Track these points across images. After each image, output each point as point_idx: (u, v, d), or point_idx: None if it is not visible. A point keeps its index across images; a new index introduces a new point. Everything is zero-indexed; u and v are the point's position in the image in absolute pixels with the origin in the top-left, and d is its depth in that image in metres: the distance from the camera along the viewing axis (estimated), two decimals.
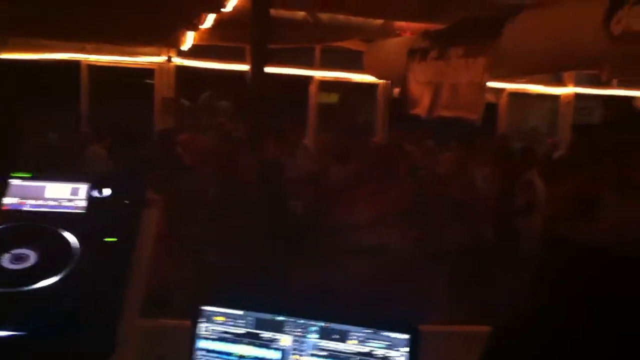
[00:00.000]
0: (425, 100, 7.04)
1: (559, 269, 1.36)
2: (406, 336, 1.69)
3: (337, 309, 1.81)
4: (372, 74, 9.21)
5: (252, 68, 5.76)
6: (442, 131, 9.89)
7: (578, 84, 11.85)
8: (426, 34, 7.52)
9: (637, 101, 11.63)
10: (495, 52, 6.06)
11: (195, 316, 1.85)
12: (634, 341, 1.15)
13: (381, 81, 10.33)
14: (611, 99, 12.87)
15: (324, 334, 1.75)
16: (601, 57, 4.94)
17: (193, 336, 1.85)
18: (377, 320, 1.73)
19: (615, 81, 12.09)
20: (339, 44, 9.52)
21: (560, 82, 11.86)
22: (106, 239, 1.88)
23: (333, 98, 12.05)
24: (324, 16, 7.78)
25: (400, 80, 7.76)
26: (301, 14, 7.82)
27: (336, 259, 2.88)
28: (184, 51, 9.24)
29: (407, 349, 1.68)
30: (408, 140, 9.14)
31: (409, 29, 8.18)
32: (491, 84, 11.08)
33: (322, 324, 1.77)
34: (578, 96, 12.39)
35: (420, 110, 7.12)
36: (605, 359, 1.19)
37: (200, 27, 7.66)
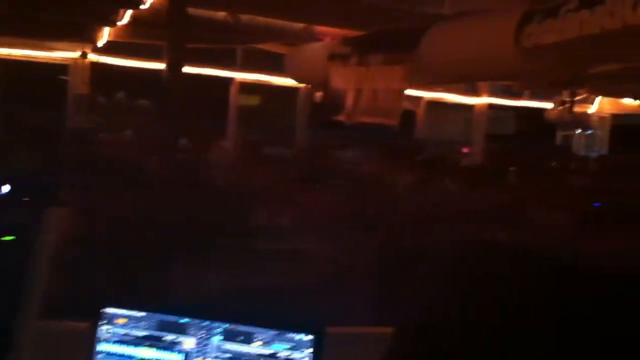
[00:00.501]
0: (345, 105, 7.11)
1: (486, 274, 1.39)
2: (310, 337, 1.69)
3: (243, 310, 1.79)
4: (293, 77, 9.23)
5: (168, 67, 5.66)
6: (361, 136, 10.05)
7: (492, 94, 12.26)
8: (347, 40, 7.60)
9: (548, 112, 12.11)
10: (413, 61, 6.19)
11: (96, 318, 1.80)
12: (565, 345, 1.18)
13: (303, 85, 10.38)
14: (524, 110, 13.39)
15: (229, 336, 1.74)
16: (513, 69, 5.11)
17: (93, 338, 1.79)
18: (281, 321, 1.73)
19: (527, 93, 12.59)
20: (261, 46, 9.50)
21: (475, 93, 12.23)
22: (2, 238, 1.80)
23: (254, 100, 12.01)
24: (245, 17, 7.74)
25: (321, 84, 7.81)
26: (221, 14, 7.75)
27: (248, 261, 2.86)
28: (100, 47, 8.99)
29: (311, 350, 1.69)
30: (329, 145, 9.23)
31: (330, 34, 8.23)
32: (410, 92, 11.37)
33: (227, 325, 1.75)
34: (492, 106, 12.81)
35: (341, 115, 7.18)
36: None
37: (117, 23, 7.48)
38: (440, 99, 12.07)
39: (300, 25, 8.15)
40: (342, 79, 7.27)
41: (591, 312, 1.15)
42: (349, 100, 7.04)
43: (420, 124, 11.91)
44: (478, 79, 7.48)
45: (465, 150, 12.14)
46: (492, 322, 1.28)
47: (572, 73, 4.69)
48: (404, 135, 12.03)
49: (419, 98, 11.79)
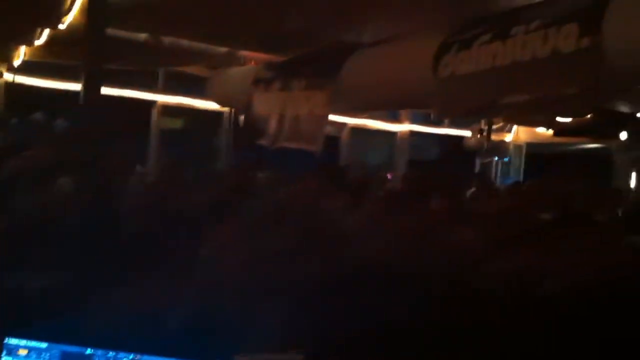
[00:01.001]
0: (269, 130, 7.11)
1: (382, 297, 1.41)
2: None
3: (150, 340, 1.75)
4: (215, 101, 9.19)
5: (85, 88, 5.54)
6: (286, 162, 10.07)
7: (413, 122, 12.55)
8: (270, 65, 7.64)
9: (466, 140, 12.47)
10: (335, 87, 6.27)
11: None
12: None
13: (227, 109, 10.33)
14: (445, 137, 13.76)
15: None
16: (430, 97, 5.25)
17: None
18: (190, 350, 1.71)
19: (447, 121, 12.94)
20: (184, 68, 9.43)
21: (397, 120, 12.49)
22: None
23: (177, 123, 11.87)
24: (167, 40, 7.66)
25: (245, 108, 7.81)
26: (142, 36, 7.64)
27: (162, 286, 2.81)
28: (16, 67, 8.70)
29: None
30: (254, 170, 9.18)
31: (253, 58, 8.26)
32: (334, 118, 11.49)
33: (133, 356, 1.71)
34: (416, 133, 13.10)
35: (265, 139, 7.18)
36: None
37: (35, 42, 7.27)
38: (364, 125, 12.25)
39: (224, 49, 8.14)
40: (265, 103, 7.28)
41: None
42: (272, 125, 7.05)
43: (344, 150, 12.04)
44: (397, 106, 7.65)
45: (389, 176, 12.34)
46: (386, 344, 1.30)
47: (486, 103, 4.85)
48: (329, 160, 12.14)
49: (343, 124, 11.93)
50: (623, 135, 10.44)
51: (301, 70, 6.93)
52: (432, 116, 10.14)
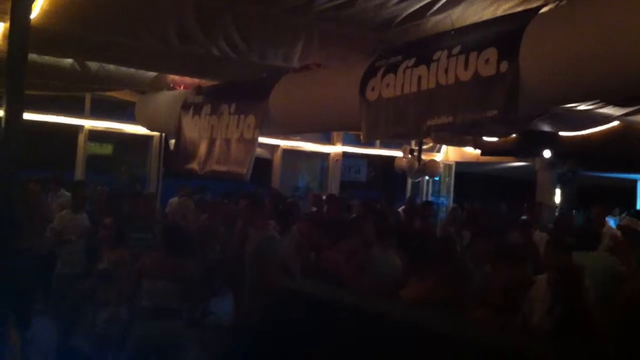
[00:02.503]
0: (198, 154, 7.03)
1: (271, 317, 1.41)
2: None
3: None
4: (144, 125, 9.04)
5: (7, 113, 5.35)
6: (217, 186, 9.98)
7: (345, 143, 12.67)
8: (199, 89, 7.57)
9: (397, 161, 12.64)
10: (264, 111, 6.26)
11: None
12: None
13: (156, 133, 10.19)
14: (376, 158, 13.94)
15: None
16: (357, 120, 5.30)
17: None
18: None
19: (378, 142, 13.11)
20: (111, 93, 9.26)
21: (329, 141, 12.59)
22: None
23: (106, 149, 11.63)
24: (93, 65, 7.52)
25: (174, 133, 7.71)
26: (68, 61, 7.48)
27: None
28: None
29: None
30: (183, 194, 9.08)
31: (182, 82, 8.19)
32: (266, 140, 11.50)
33: None
34: (347, 155, 13.23)
35: (194, 164, 7.09)
36: None
37: None
38: (296, 147, 12.29)
39: (152, 73, 8.04)
40: (194, 128, 7.21)
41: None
42: (201, 150, 6.98)
43: (276, 171, 12.03)
44: (326, 129, 7.70)
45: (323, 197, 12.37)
46: None
47: (412, 125, 4.93)
48: (260, 183, 12.11)
49: (275, 146, 11.94)
50: (546, 154, 10.80)
51: (231, 95, 6.90)
52: (361, 138, 10.28)
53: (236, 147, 6.52)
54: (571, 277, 3.83)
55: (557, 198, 11.86)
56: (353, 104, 5.30)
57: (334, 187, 12.32)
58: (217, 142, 6.79)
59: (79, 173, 9.81)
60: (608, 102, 6.39)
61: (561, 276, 3.82)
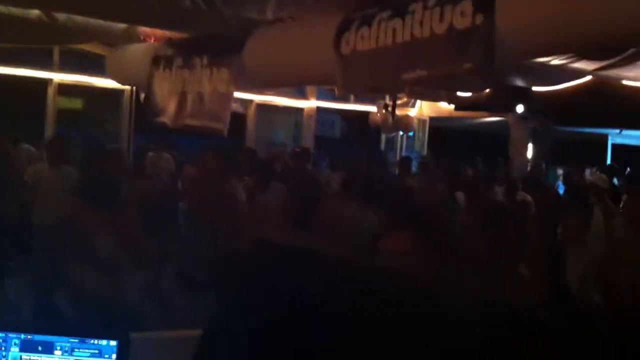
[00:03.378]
0: (170, 108, 6.93)
1: (263, 270, 1.39)
2: (114, 343, 1.67)
3: (42, 320, 1.69)
4: (115, 79, 8.87)
5: None
6: (189, 142, 9.88)
7: (320, 98, 12.58)
8: (171, 42, 7.43)
9: (371, 116, 12.63)
10: (238, 64, 6.17)
11: None
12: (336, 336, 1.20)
13: (127, 87, 10.02)
14: (351, 113, 13.89)
15: (27, 347, 1.67)
16: (332, 74, 5.25)
17: None
18: (83, 328, 1.69)
19: (353, 96, 13.06)
20: (81, 46, 9.04)
21: (303, 96, 12.49)
22: None
23: (76, 104, 11.42)
24: (61, 16, 7.30)
25: (145, 87, 7.58)
26: (35, 12, 7.25)
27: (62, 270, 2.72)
28: None
29: (116, 356, 1.68)
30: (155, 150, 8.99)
31: (153, 35, 8.01)
32: (240, 95, 11.38)
33: (23, 336, 1.67)
34: (321, 110, 13.16)
35: (166, 118, 6.99)
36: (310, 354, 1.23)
37: None
38: (271, 102, 12.20)
39: (122, 25, 7.85)
40: (166, 82, 7.09)
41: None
42: (173, 104, 6.88)
43: (251, 127, 11.95)
44: (300, 83, 7.63)
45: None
46: (290, 320, 1.29)
47: (387, 79, 4.90)
48: (235, 138, 12.03)
49: (249, 101, 11.83)
50: (519, 109, 10.86)
51: (203, 48, 6.77)
52: (336, 92, 10.22)
53: (210, 101, 6.44)
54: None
55: (530, 153, 11.98)
56: (328, 57, 5.24)
57: (308, 143, 12.28)
58: (190, 96, 6.69)
59: (50, 128, 9.64)
60: (583, 56, 6.39)
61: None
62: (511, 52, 4.34)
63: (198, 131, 6.61)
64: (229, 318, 1.43)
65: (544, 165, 10.77)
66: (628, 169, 10.72)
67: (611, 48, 5.71)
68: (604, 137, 13.50)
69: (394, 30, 4.78)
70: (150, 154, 8.20)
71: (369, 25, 5.00)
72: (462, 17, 4.31)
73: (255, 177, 5.99)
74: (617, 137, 13.40)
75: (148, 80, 7.31)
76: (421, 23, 4.59)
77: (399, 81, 4.79)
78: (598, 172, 9.14)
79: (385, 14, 4.91)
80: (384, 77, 4.89)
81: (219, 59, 6.40)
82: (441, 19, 4.46)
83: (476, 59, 4.25)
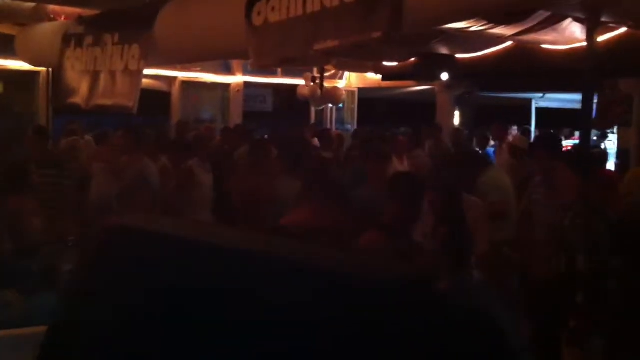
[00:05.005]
0: (83, 89, 6.68)
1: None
2: None
3: None
4: (25, 60, 8.50)
5: None
6: (113, 121, 9.59)
7: (246, 73, 12.38)
8: (81, 20, 7.14)
9: (300, 89, 12.54)
10: (149, 40, 5.97)
11: None
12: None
13: (43, 69, 9.63)
14: (282, 87, 13.75)
15: None
16: (245, 47, 5.14)
17: None
18: None
19: (280, 70, 12.92)
20: None
21: (229, 71, 12.28)
22: None
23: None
24: None
25: (56, 67, 7.28)
26: None
27: None
28: None
29: None
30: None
31: (63, 13, 7.70)
32: (162, 72, 11.09)
33: None
34: (252, 84, 12.96)
35: (79, 99, 6.74)
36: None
37: None
38: (196, 78, 11.94)
39: (30, 4, 7.51)
40: (77, 61, 6.81)
41: None
42: (87, 84, 6.63)
43: (176, 104, 11.69)
44: (214, 57, 7.45)
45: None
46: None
47: (299, 50, 4.82)
48: (160, 117, 11.77)
49: (173, 78, 11.56)
50: (444, 76, 10.93)
51: (114, 24, 6.53)
52: (249, 65, 10.08)
53: (121, 79, 6.23)
54: (453, 197, 3.90)
55: (457, 120, 12.13)
56: (239, 30, 5.12)
57: (236, 118, 12.11)
58: (102, 75, 6.46)
59: None
60: (489, 20, 6.45)
61: (444, 197, 3.88)
62: (420, 18, 4.33)
63: (109, 110, 6.41)
64: (75, 311, 1.34)
65: (465, 131, 10.93)
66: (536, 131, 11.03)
67: (516, 12, 5.78)
68: (528, 102, 13.78)
69: (304, 0, 4.70)
70: (67, 138, 7.91)
71: None
72: None
73: (170, 156, 5.85)
74: (541, 100, 13.70)
75: (58, 60, 7.02)
76: None
77: (311, 51, 4.72)
78: (519, 134, 9.35)
79: None
80: (295, 47, 4.81)
81: (130, 35, 6.19)
82: None
83: (384, 26, 4.21)
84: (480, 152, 7.90)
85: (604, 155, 9.62)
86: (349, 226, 3.18)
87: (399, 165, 6.36)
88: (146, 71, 9.72)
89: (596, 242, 4.09)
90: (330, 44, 4.59)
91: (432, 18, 4.46)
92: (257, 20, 5.04)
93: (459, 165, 5.19)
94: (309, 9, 4.68)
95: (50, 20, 7.82)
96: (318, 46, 4.66)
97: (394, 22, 4.17)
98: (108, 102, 6.33)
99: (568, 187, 4.91)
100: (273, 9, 4.92)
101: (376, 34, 4.28)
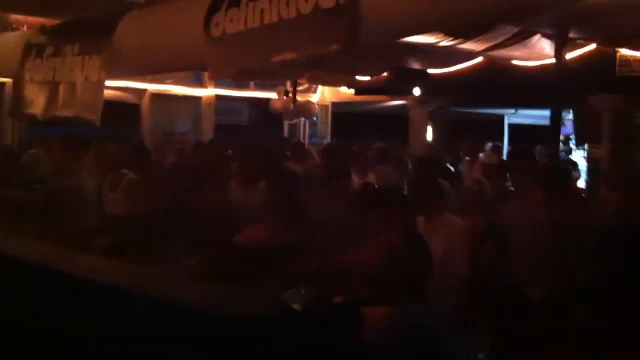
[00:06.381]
0: (40, 99, 6.54)
1: None
2: None
3: None
4: None
5: None
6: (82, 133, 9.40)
7: (218, 85, 12.25)
8: (43, 29, 7.01)
9: (272, 102, 12.44)
10: (110, 51, 5.85)
11: None
12: None
13: (9, 80, 9.46)
14: (260, 101, 13.64)
15: None
16: (203, 58, 5.04)
17: None
18: None
19: (252, 84, 12.84)
20: None
21: (201, 84, 12.15)
22: None
23: None
24: None
25: (15, 78, 7.13)
26: None
27: None
28: None
29: None
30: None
31: (26, 22, 7.58)
32: (132, 84, 10.95)
33: None
34: (226, 97, 12.82)
35: (36, 110, 6.60)
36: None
37: None
38: (166, 90, 11.79)
39: None
40: (36, 71, 6.67)
41: None
42: (45, 94, 6.49)
43: (146, 117, 11.53)
44: (174, 68, 7.34)
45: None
46: None
47: (257, 61, 4.74)
48: (129, 129, 11.59)
49: (143, 90, 11.41)
50: (416, 91, 10.92)
51: (74, 34, 6.41)
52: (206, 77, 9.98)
53: (82, 90, 6.10)
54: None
55: (429, 134, 12.11)
56: (197, 41, 5.02)
57: (208, 131, 11.99)
58: (61, 86, 6.32)
59: None
60: (451, 34, 6.43)
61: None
62: (378, 30, 4.26)
63: (71, 122, 6.27)
64: None
65: (434, 146, 10.91)
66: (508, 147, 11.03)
67: (476, 25, 5.75)
68: (501, 117, 13.80)
69: (262, 11, 4.62)
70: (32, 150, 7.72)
71: (238, 6, 4.81)
72: None
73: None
74: (513, 116, 13.72)
75: (18, 70, 6.88)
76: (287, 3, 4.44)
77: (269, 63, 4.63)
78: (489, 151, 9.33)
79: None
80: (253, 59, 4.73)
81: (90, 45, 6.06)
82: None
83: (342, 38, 4.13)
84: (452, 167, 7.83)
85: (573, 167, 9.67)
86: (303, 245, 3.10)
87: (361, 180, 6.27)
88: (115, 83, 9.65)
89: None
90: (288, 55, 4.50)
91: (391, 31, 4.40)
92: (216, 32, 4.95)
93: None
94: (267, 20, 4.60)
95: (13, 29, 7.70)
96: (276, 57, 4.58)
97: (352, 34, 4.10)
98: (69, 113, 6.20)
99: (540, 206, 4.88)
100: (231, 20, 4.84)
101: (334, 47, 4.21)
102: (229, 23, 4.84)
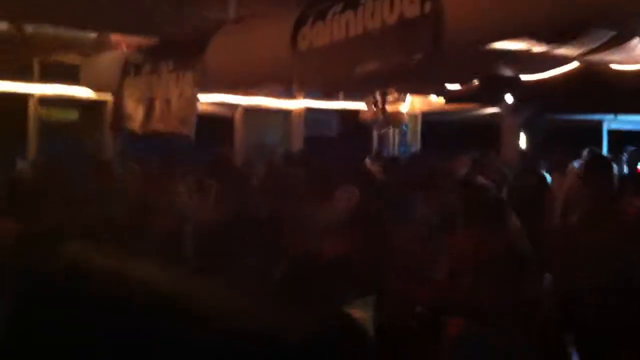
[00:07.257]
0: (138, 114, 6.86)
1: None
2: None
3: None
4: (90, 88, 8.81)
5: None
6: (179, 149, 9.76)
7: (308, 97, 12.39)
8: (140, 49, 7.36)
9: (362, 113, 12.47)
10: (202, 66, 6.07)
11: None
12: None
13: (109, 98, 9.95)
14: (349, 112, 13.72)
15: None
16: (291, 72, 5.15)
17: None
18: None
19: (341, 95, 12.91)
20: (58, 57, 8.98)
21: (291, 96, 12.33)
22: None
23: (61, 114, 11.32)
24: (29, 28, 7.26)
25: (114, 95, 7.52)
26: (3, 25, 7.23)
27: None
28: None
29: None
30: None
31: (124, 42, 7.95)
32: (225, 99, 11.26)
33: None
34: (315, 109, 12.97)
35: (135, 124, 6.93)
36: None
37: None
38: (258, 104, 12.04)
39: (93, 34, 7.81)
40: (134, 88, 7.02)
41: None
42: (142, 110, 6.80)
43: (239, 131, 11.82)
44: (262, 83, 7.49)
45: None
46: None
47: (343, 73, 4.79)
48: (224, 143, 11.91)
49: (235, 105, 11.70)
50: (509, 99, 10.67)
51: (169, 52, 6.70)
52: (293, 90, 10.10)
53: (177, 106, 6.35)
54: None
55: (523, 143, 11.79)
56: (285, 55, 5.13)
57: (297, 143, 12.14)
58: (157, 102, 6.62)
59: (32, 142, 9.57)
60: (538, 40, 6.23)
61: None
62: (462, 39, 4.22)
63: (166, 136, 6.54)
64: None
65: (527, 154, 10.60)
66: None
67: (565, 30, 5.56)
68: (599, 123, 13.25)
69: (347, 23, 4.67)
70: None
71: (324, 20, 4.89)
72: (410, 5, 4.20)
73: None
74: (613, 122, 13.15)
75: (118, 87, 7.25)
76: (372, 14, 4.47)
77: (353, 75, 4.67)
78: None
79: (338, 7, 4.80)
80: (338, 71, 4.78)
81: (184, 62, 6.31)
82: (391, 9, 4.35)
83: (426, 47, 4.12)
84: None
85: None
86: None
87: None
88: (209, 97, 9.96)
89: None
90: (372, 66, 4.53)
91: (475, 39, 4.34)
92: (303, 45, 5.05)
93: None
94: (352, 32, 4.64)
95: (113, 49, 8.10)
96: (360, 69, 4.61)
97: (436, 42, 4.08)
98: (165, 127, 6.47)
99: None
100: (317, 33, 4.92)
101: (417, 56, 4.20)
102: (315, 36, 4.93)
